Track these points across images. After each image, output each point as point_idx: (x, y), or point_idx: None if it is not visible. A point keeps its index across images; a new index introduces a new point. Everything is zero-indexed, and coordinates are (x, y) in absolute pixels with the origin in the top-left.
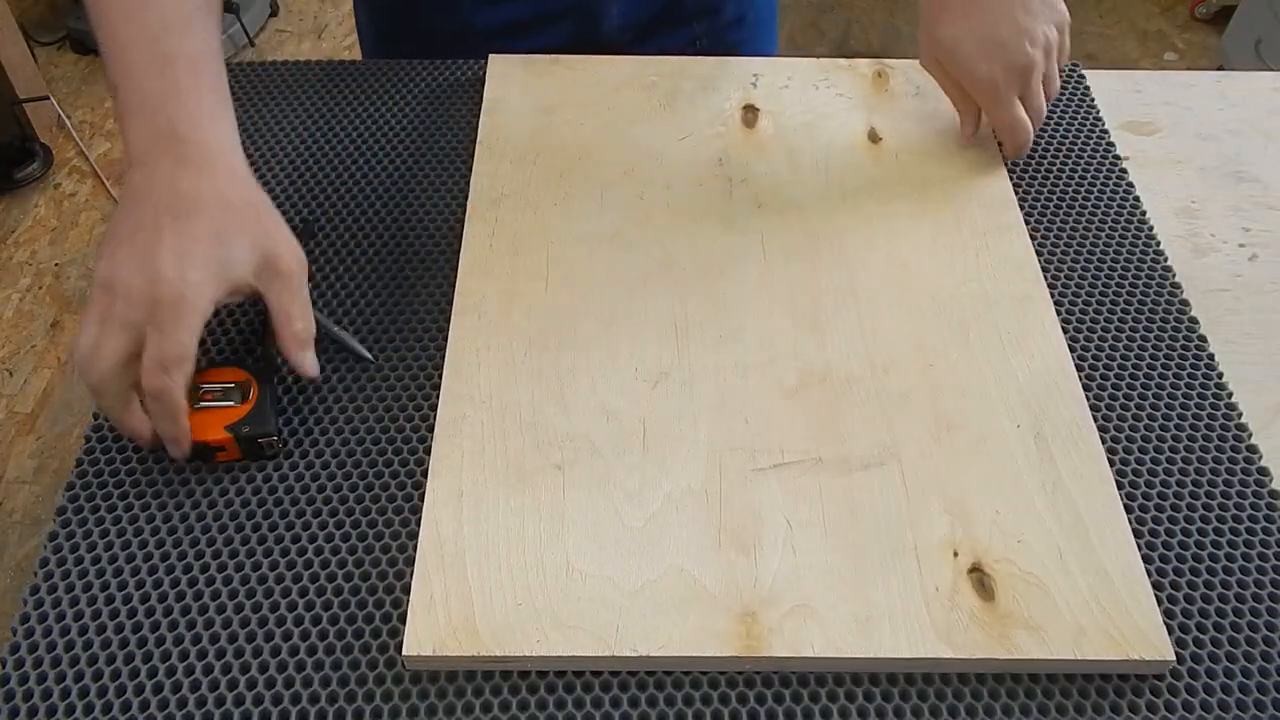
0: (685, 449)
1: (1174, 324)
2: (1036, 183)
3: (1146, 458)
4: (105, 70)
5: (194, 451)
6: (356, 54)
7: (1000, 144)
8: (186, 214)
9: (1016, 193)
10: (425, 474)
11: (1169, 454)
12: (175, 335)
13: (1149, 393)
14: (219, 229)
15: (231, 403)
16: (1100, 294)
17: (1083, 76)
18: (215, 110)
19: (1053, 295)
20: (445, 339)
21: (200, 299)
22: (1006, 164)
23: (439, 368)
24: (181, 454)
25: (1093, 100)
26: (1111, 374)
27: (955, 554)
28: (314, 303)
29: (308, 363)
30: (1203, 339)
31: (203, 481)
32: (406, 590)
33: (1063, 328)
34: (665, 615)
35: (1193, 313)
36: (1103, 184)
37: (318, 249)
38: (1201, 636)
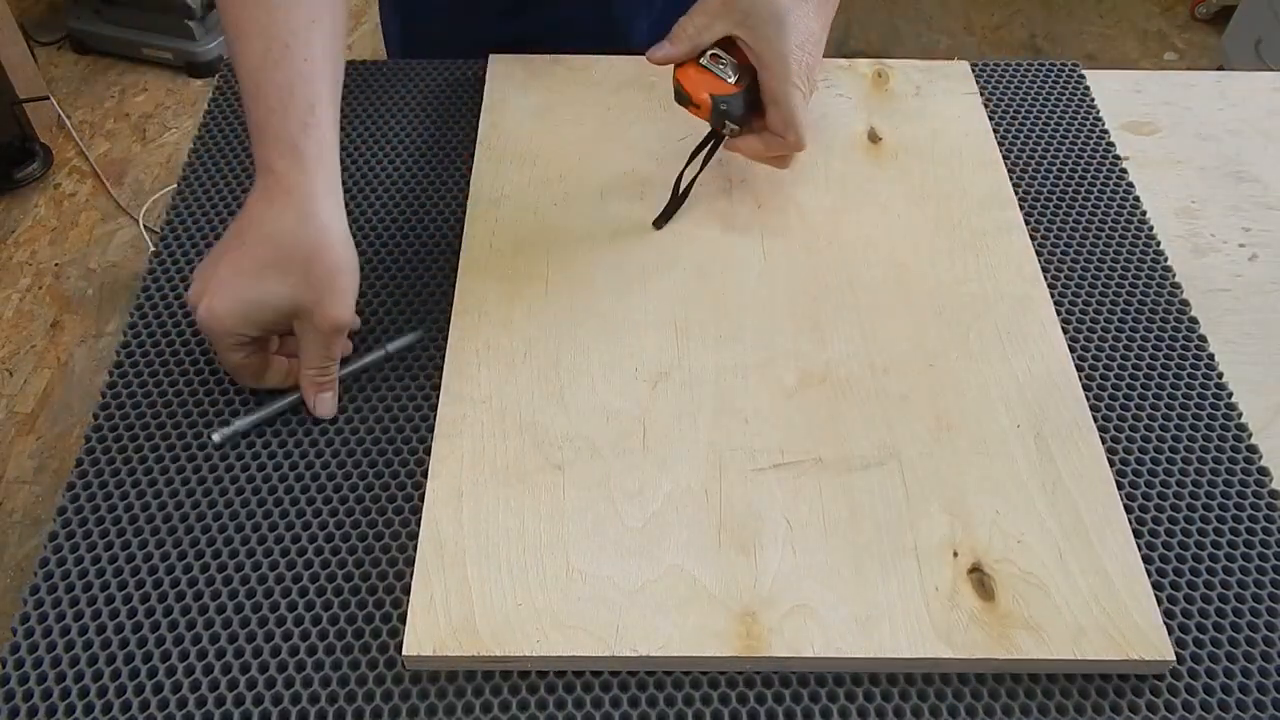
0: (685, 449)
1: (1174, 324)
2: (1036, 183)
3: (1146, 458)
4: None
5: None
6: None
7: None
8: (242, 245)
9: (1016, 193)
10: (425, 474)
11: (1169, 454)
12: (219, 354)
13: (1149, 393)
14: (263, 267)
15: (727, 78)
16: (1100, 294)
17: (1083, 76)
18: (299, 146)
19: (1053, 295)
20: (445, 339)
21: (220, 329)
22: (1007, 163)
23: (439, 368)
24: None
25: (1093, 100)
26: (1111, 374)
27: (955, 554)
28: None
29: (322, 405)
30: (1203, 339)
31: (203, 481)
32: (406, 590)
33: (1063, 328)
34: (665, 615)
35: (1193, 313)
36: (1103, 184)
37: None
38: (1201, 636)
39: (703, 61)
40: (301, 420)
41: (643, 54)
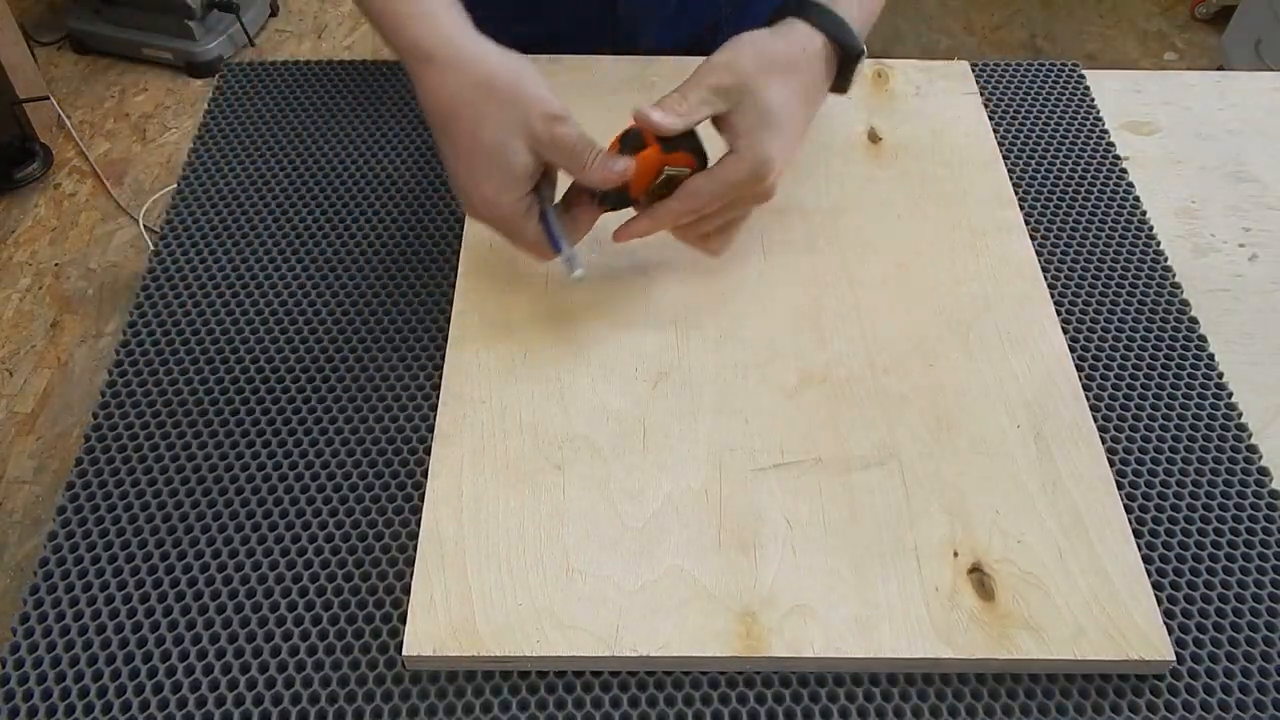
0: (685, 449)
1: (1174, 324)
2: (1036, 183)
3: (1146, 458)
4: None
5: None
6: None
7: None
8: (446, 134)
9: (1016, 193)
10: (425, 474)
11: (1169, 454)
12: (517, 239)
13: (1149, 393)
14: (473, 134)
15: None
16: (1100, 294)
17: (1083, 76)
18: (413, 7)
19: (1053, 295)
20: (445, 339)
21: (505, 206)
22: (1007, 164)
23: (439, 368)
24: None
25: (1093, 100)
26: (1111, 374)
27: (955, 554)
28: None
29: (619, 170)
30: (1203, 339)
31: (203, 481)
32: (406, 590)
33: (1063, 328)
34: (665, 615)
35: (1193, 313)
36: (1103, 184)
37: (317, 249)
38: (1201, 636)
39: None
40: (301, 420)
41: (642, 57)
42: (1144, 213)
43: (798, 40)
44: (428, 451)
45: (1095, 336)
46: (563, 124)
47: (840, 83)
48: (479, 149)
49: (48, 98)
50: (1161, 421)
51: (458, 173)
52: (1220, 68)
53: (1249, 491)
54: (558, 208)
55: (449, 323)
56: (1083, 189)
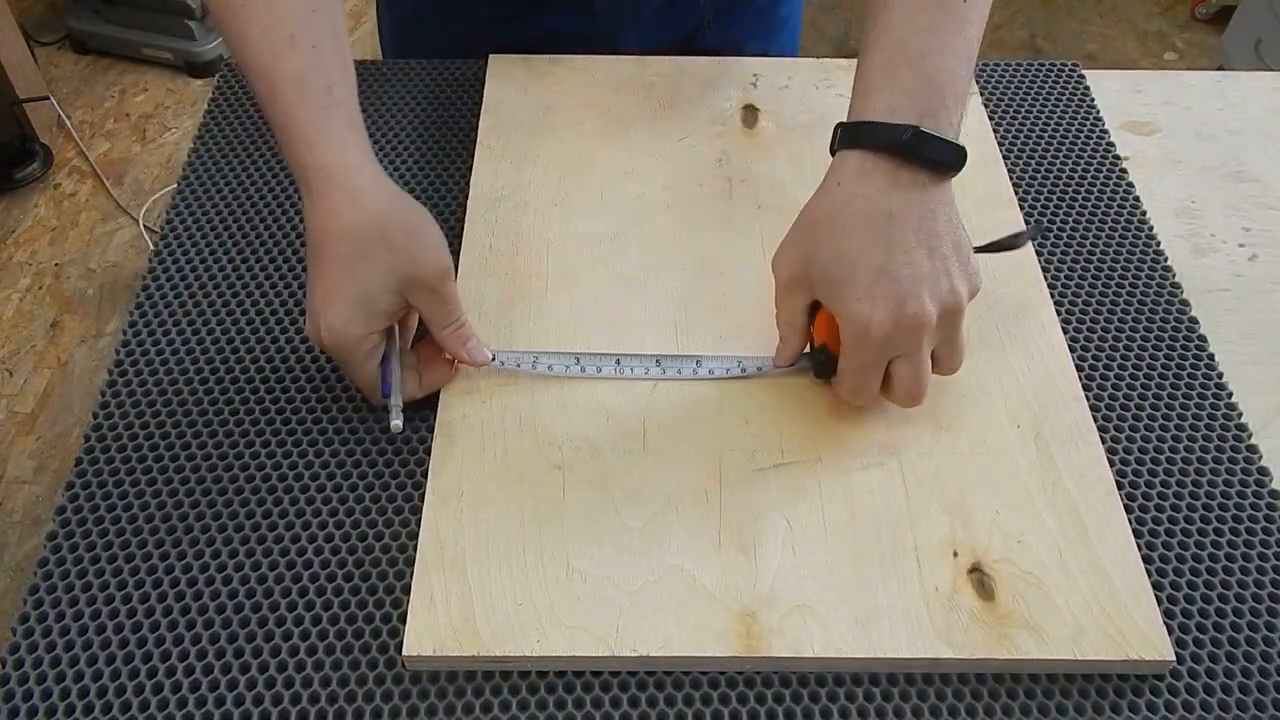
0: (685, 449)
1: (1174, 324)
2: (1036, 183)
3: (1146, 458)
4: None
5: None
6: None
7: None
8: (320, 259)
9: (1016, 193)
10: (425, 474)
11: (1169, 454)
12: (353, 375)
13: (1149, 393)
14: (350, 263)
15: None
16: (1100, 294)
17: (1083, 76)
18: (324, 128)
19: (1053, 295)
20: None
21: (350, 339)
22: (1007, 164)
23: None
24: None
25: (1093, 100)
26: (1111, 374)
27: (955, 554)
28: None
29: (475, 352)
30: (1203, 339)
31: (202, 481)
32: (406, 590)
33: (1063, 328)
34: (665, 615)
35: (1193, 313)
36: (1103, 184)
37: None
38: (1201, 636)
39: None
40: (301, 420)
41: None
42: (1144, 213)
43: (834, 176)
44: (428, 451)
45: (1095, 336)
46: (449, 281)
47: (924, 159)
48: (349, 281)
49: (48, 98)
50: (1161, 421)
51: (315, 293)
52: (1220, 68)
53: (1249, 491)
54: (408, 356)
55: None
56: (1083, 189)
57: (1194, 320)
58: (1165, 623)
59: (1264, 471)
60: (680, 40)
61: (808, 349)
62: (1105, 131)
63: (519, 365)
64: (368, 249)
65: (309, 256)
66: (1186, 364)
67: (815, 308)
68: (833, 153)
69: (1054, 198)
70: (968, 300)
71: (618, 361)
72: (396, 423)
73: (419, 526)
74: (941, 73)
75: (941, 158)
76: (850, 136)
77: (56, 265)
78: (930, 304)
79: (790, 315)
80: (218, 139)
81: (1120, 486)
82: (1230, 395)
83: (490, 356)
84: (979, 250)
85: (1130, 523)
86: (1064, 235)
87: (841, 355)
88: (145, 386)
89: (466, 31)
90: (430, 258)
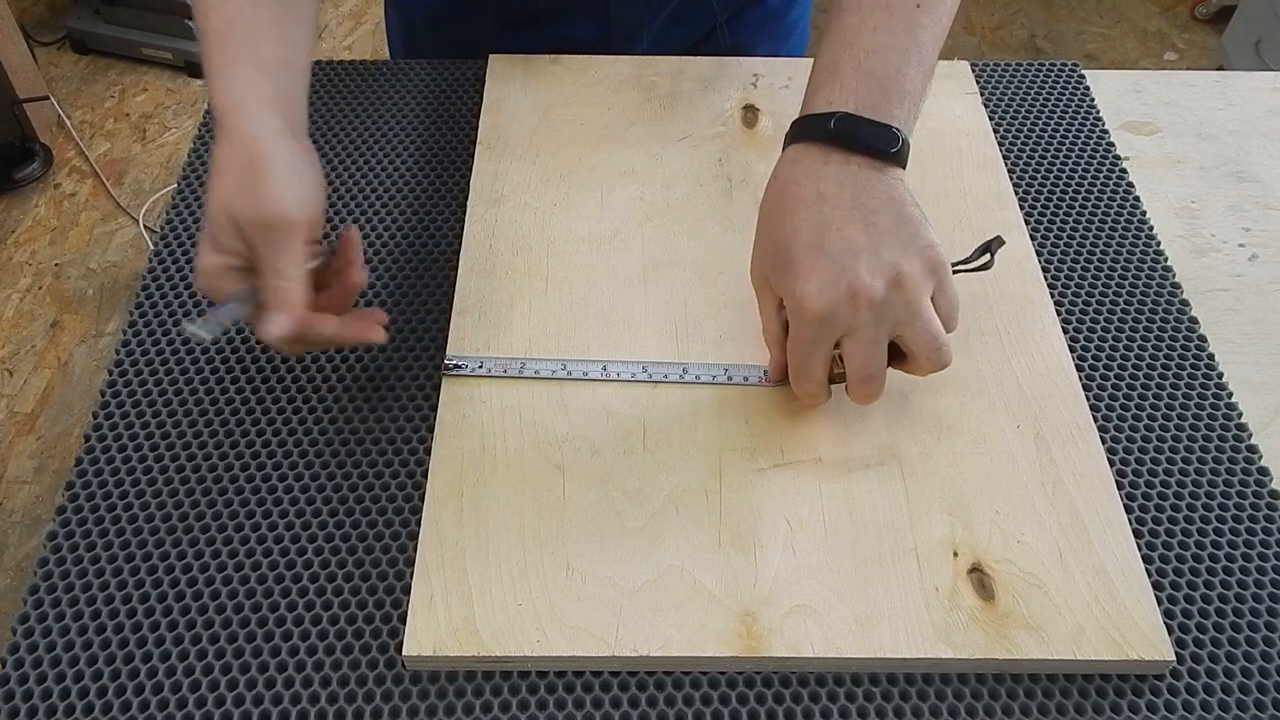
0: (685, 449)
1: (1174, 324)
2: (1036, 183)
3: (1146, 458)
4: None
5: None
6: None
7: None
8: (211, 191)
9: (1016, 193)
10: (425, 474)
11: (1169, 454)
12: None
13: (1149, 393)
14: (210, 198)
15: None
16: (1100, 294)
17: (1083, 76)
18: (231, 74)
19: (1053, 295)
20: (445, 339)
21: (205, 269)
22: (1007, 164)
23: (439, 368)
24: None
25: (1093, 100)
26: (1111, 374)
27: (955, 554)
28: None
29: (276, 327)
30: (1203, 339)
31: (202, 481)
32: (406, 590)
33: (1063, 328)
34: (665, 615)
35: (1193, 313)
36: (1103, 184)
37: None
38: (1201, 636)
39: None
40: (301, 419)
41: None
42: (1144, 213)
43: (773, 171)
44: (428, 451)
45: (1095, 336)
46: (284, 229)
47: (857, 143)
48: (208, 213)
49: (48, 98)
50: (1161, 421)
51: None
52: (1220, 68)
53: (1249, 491)
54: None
55: (449, 323)
56: (1083, 189)
57: (1194, 320)
58: (1165, 623)
59: (1264, 471)
60: (692, 46)
61: None
62: (1105, 131)
63: (505, 371)
64: (223, 179)
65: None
66: (1186, 364)
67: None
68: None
69: (1054, 198)
70: (924, 273)
71: (604, 367)
72: (191, 327)
73: (419, 526)
74: (884, 69)
75: (873, 141)
76: (792, 134)
77: (56, 265)
78: (869, 277)
79: (766, 322)
80: None
81: (1120, 486)
82: (1230, 395)
83: (284, 329)
84: (956, 272)
85: (1130, 523)
86: (1064, 235)
87: (788, 341)
88: (145, 386)
89: (478, 39)
90: (271, 200)
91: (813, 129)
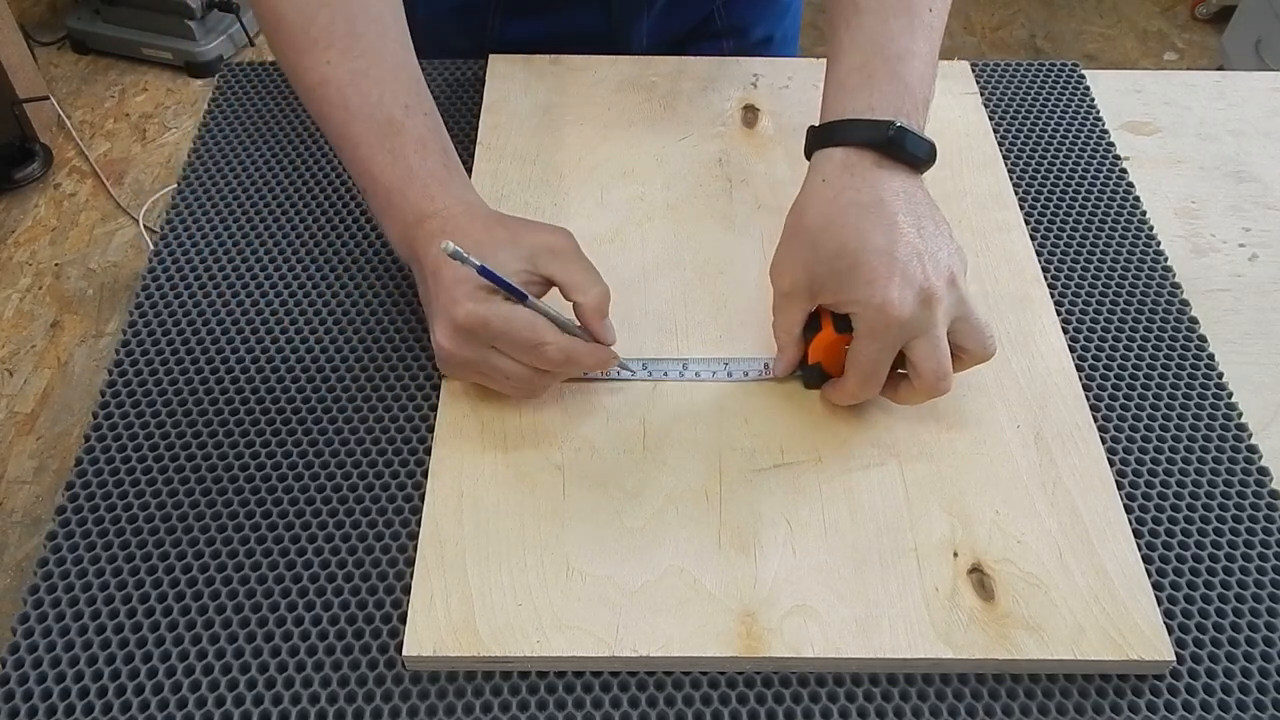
0: (685, 449)
1: (1174, 324)
2: (1036, 183)
3: (1146, 458)
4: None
5: None
6: None
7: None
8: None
9: (1016, 193)
10: (425, 474)
11: (1169, 454)
12: (507, 342)
13: (1149, 393)
14: (479, 254)
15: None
16: (1100, 294)
17: (1083, 76)
18: (446, 177)
19: (1053, 295)
20: None
21: (488, 308)
22: (1007, 164)
23: (439, 368)
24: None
25: (1093, 100)
26: (1111, 374)
27: (955, 554)
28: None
29: (607, 330)
30: (1203, 339)
31: (202, 481)
32: (406, 590)
33: (1063, 328)
34: (665, 615)
35: (1193, 313)
36: (1103, 184)
37: (317, 249)
38: (1201, 636)
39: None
40: (301, 420)
41: (642, 57)
42: (1144, 213)
43: (817, 174)
44: (428, 451)
45: (1095, 336)
46: (575, 244)
47: (904, 153)
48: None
49: (48, 98)
50: (1161, 421)
51: (439, 299)
52: (1220, 68)
53: (1249, 491)
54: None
55: None
56: (1083, 189)
57: (1194, 320)
58: (1165, 623)
59: (1264, 471)
60: (691, 29)
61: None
62: (1105, 131)
63: None
64: (491, 235)
65: (425, 288)
66: (1186, 364)
67: (812, 320)
68: (808, 156)
69: (1054, 198)
70: (963, 272)
71: None
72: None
73: (419, 526)
74: (913, 76)
75: (917, 152)
76: (828, 136)
77: (56, 265)
78: (935, 279)
79: (789, 325)
80: (218, 139)
81: (1120, 486)
82: (1230, 395)
83: (613, 340)
84: None
85: (1130, 523)
86: (1064, 235)
87: (853, 347)
88: (145, 386)
89: (478, 27)
90: (548, 229)
91: (866, 134)
